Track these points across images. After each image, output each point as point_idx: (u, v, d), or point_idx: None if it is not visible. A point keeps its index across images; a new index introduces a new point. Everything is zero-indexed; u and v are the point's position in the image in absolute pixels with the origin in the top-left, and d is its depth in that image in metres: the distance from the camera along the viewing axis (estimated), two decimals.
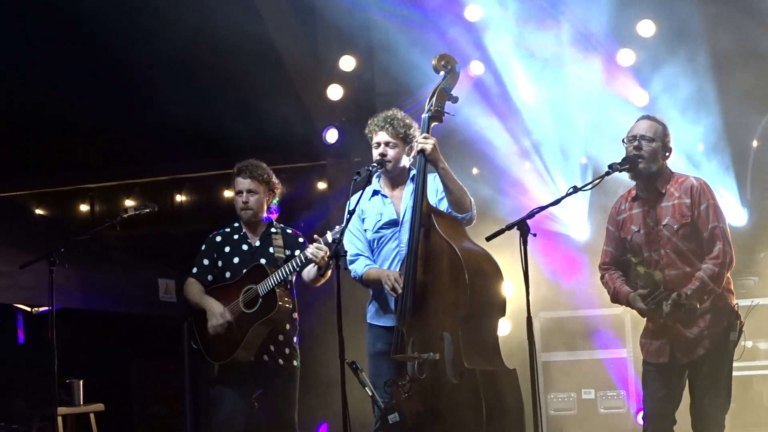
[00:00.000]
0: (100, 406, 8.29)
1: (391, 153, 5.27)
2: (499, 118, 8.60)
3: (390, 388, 5.02)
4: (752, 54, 8.15)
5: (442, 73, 5.23)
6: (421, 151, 5.07)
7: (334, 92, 9.04)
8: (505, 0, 8.41)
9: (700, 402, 4.91)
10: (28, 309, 8.73)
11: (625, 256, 5.05)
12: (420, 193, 5.04)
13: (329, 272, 5.45)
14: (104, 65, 9.93)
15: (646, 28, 8.44)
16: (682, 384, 4.99)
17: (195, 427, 9.47)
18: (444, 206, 5.18)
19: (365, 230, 5.34)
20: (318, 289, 5.82)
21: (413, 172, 5.24)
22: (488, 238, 4.73)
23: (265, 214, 5.92)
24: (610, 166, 4.91)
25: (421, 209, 5.02)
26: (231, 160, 6.06)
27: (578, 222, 8.62)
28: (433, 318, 4.91)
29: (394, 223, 5.29)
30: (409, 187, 5.29)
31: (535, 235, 4.61)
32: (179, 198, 11.99)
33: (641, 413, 5.60)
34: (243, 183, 5.86)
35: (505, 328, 7.13)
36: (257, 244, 5.90)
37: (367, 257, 5.31)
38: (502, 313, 5.01)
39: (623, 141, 5.02)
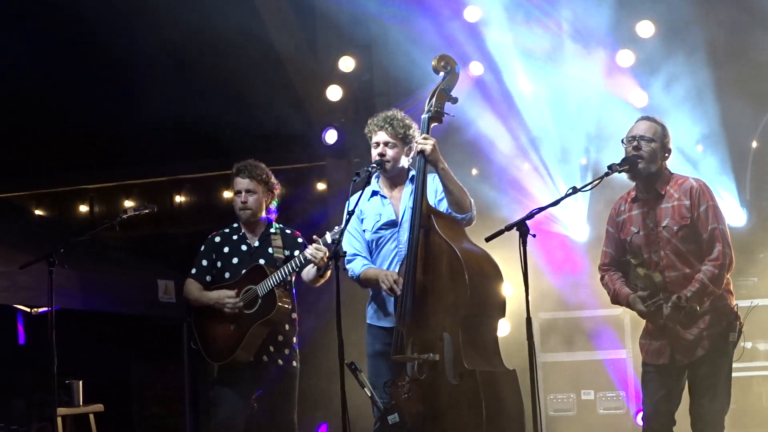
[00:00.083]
0: (99, 407, 8.29)
1: (390, 153, 5.27)
2: (498, 119, 8.60)
3: (389, 388, 5.02)
4: (752, 55, 8.15)
5: (441, 73, 5.23)
6: (421, 152, 5.07)
7: (334, 93, 9.04)
8: (505, 0, 8.41)
9: (700, 403, 4.90)
10: (28, 309, 8.73)
11: (624, 257, 5.05)
12: (420, 194, 5.04)
13: (328, 273, 5.44)
14: (104, 65, 9.93)
15: (646, 28, 8.44)
16: (681, 384, 4.99)
17: (194, 428, 9.46)
18: (444, 207, 5.18)
19: (364, 231, 5.33)
20: (317, 289, 5.82)
21: (412, 172, 5.24)
22: (488, 239, 4.73)
23: (264, 215, 5.92)
24: (609, 167, 4.91)
25: (421, 210, 5.02)
26: (230, 160, 6.06)
27: (578, 223, 8.62)
28: (432, 318, 4.91)
29: (393, 224, 5.28)
30: (408, 188, 5.29)
31: (534, 235, 4.61)
32: (178, 199, 12.00)
33: (640, 414, 5.61)
34: (242, 183, 5.86)
35: (504, 328, 7.13)
36: (256, 244, 5.90)
37: (364, 257, 5.30)
38: (502, 313, 5.00)
39: (622, 141, 5.02)
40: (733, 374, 4.95)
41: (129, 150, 10.92)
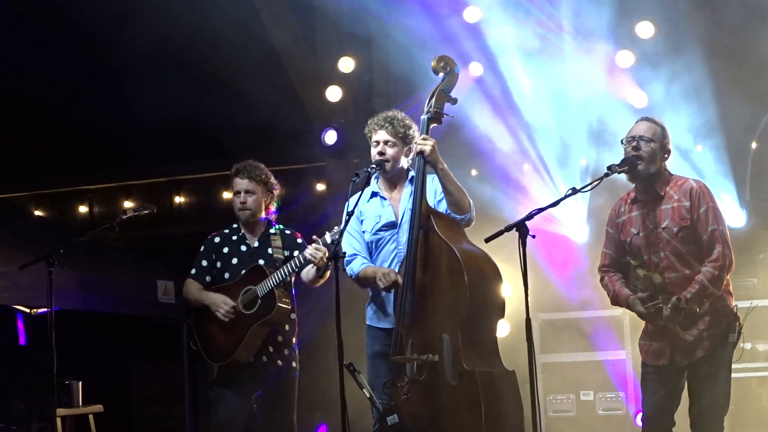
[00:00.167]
0: (99, 408, 8.28)
1: (390, 152, 5.27)
2: (498, 120, 8.60)
3: (389, 389, 5.01)
4: (752, 55, 8.15)
5: (441, 74, 5.23)
6: (420, 153, 5.07)
7: (333, 93, 9.04)
8: (505, 1, 8.41)
9: (699, 403, 4.91)
10: (27, 310, 8.72)
11: (624, 258, 5.05)
12: (419, 195, 5.04)
13: (328, 273, 5.44)
14: (104, 65, 9.93)
15: (645, 29, 8.44)
16: (681, 385, 4.99)
17: (194, 428, 9.46)
18: (443, 207, 5.18)
19: (363, 232, 5.33)
20: (317, 290, 5.82)
21: (412, 173, 5.24)
22: (487, 240, 4.73)
23: (263, 215, 5.93)
24: (609, 168, 4.91)
25: (420, 210, 5.01)
26: (230, 161, 6.07)
27: (577, 223, 8.62)
28: (432, 319, 4.90)
29: (392, 225, 5.28)
30: (408, 189, 5.28)
31: (534, 236, 4.61)
32: (178, 199, 12.00)
33: (640, 415, 5.60)
34: (241, 183, 5.86)
35: (504, 329, 7.13)
36: (256, 245, 5.90)
37: (364, 257, 5.30)
38: (501, 314, 5.00)
39: (622, 142, 5.03)
40: (733, 375, 4.96)
41: (129, 150, 10.92)
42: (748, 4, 8.01)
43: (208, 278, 5.91)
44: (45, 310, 6.84)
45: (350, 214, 5.02)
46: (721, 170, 8.28)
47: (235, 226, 5.99)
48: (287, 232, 5.96)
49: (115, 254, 9.61)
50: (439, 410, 4.83)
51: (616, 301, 5.08)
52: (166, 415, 10.46)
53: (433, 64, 5.24)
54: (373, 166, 5.21)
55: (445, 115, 5.19)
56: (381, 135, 5.28)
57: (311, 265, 5.52)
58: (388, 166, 5.27)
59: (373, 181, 5.27)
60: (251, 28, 8.87)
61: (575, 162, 8.62)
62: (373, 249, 5.32)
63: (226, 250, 5.93)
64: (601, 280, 5.17)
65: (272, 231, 5.93)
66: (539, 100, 8.57)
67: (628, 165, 4.92)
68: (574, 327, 8.08)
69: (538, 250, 7.68)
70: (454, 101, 5.20)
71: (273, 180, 5.95)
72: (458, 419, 4.75)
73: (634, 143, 4.95)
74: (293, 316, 5.88)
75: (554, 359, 8.03)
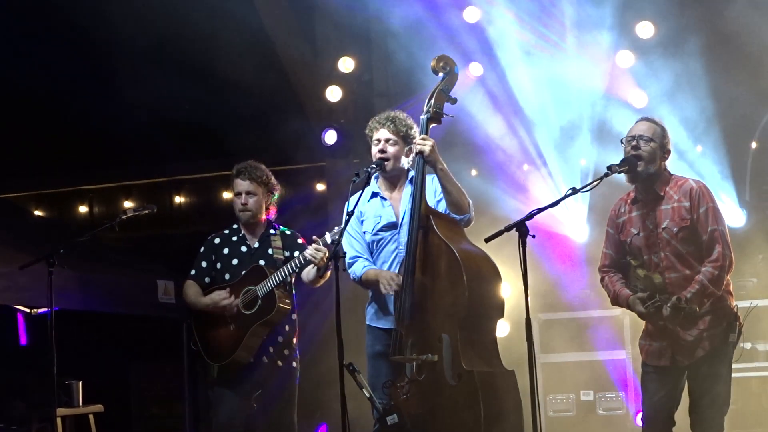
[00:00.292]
0: (99, 408, 8.28)
1: (390, 150, 5.26)
2: (498, 119, 8.60)
3: (389, 389, 5.02)
4: (752, 56, 8.15)
5: (440, 74, 5.23)
6: (420, 153, 5.07)
7: (333, 94, 9.04)
8: (505, 1, 8.41)
9: (699, 403, 4.90)
10: (27, 310, 8.73)
11: (624, 258, 5.05)
12: (419, 195, 5.04)
13: (328, 273, 5.44)
14: (104, 65, 9.93)
15: (645, 29, 8.44)
16: (681, 385, 4.99)
17: (194, 428, 9.46)
18: (442, 207, 5.18)
19: (364, 232, 5.33)
20: (317, 290, 5.82)
21: (412, 173, 5.24)
22: (487, 240, 4.73)
23: (263, 216, 5.92)
24: (609, 168, 4.91)
25: (420, 210, 5.01)
26: (230, 161, 6.07)
27: (577, 223, 8.62)
28: (431, 319, 4.91)
29: (392, 226, 5.28)
30: (408, 189, 5.28)
31: (533, 236, 4.61)
32: (178, 199, 12.00)
33: (640, 414, 5.60)
34: (242, 184, 5.86)
35: (503, 329, 7.14)
36: (256, 245, 5.90)
37: (366, 259, 5.30)
38: (501, 314, 5.00)
39: (621, 142, 5.03)
40: (733, 375, 4.96)
41: (129, 150, 10.92)
42: (748, 6, 8.01)
43: (207, 279, 5.91)
44: (45, 310, 6.84)
45: (350, 214, 5.02)
46: (721, 170, 8.28)
47: (235, 226, 5.99)
48: (287, 232, 5.96)
49: (115, 254, 9.61)
50: (439, 410, 4.83)
51: (616, 301, 5.08)
52: (166, 415, 10.46)
53: (432, 64, 5.24)
54: (374, 165, 5.21)
55: (444, 115, 5.19)
56: (382, 133, 5.28)
57: (311, 265, 5.52)
58: (388, 165, 5.27)
59: (373, 181, 5.27)
60: (251, 29, 8.87)
61: (575, 162, 8.62)
62: (373, 249, 5.32)
63: (226, 250, 5.92)
64: (602, 280, 5.17)
65: (272, 231, 5.93)
66: (539, 99, 8.57)
67: (628, 165, 4.92)
68: (574, 327, 8.08)
69: (539, 250, 7.69)
70: (454, 101, 5.20)
71: (274, 181, 5.95)
72: (458, 419, 4.75)
73: (634, 143, 4.95)
74: (294, 316, 5.88)
75: (554, 359, 8.04)
